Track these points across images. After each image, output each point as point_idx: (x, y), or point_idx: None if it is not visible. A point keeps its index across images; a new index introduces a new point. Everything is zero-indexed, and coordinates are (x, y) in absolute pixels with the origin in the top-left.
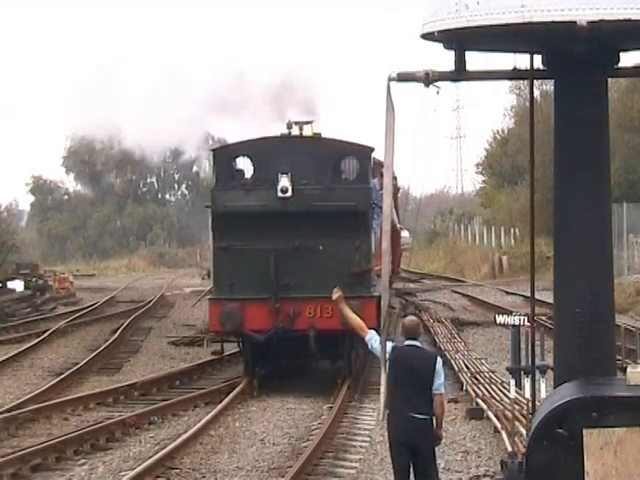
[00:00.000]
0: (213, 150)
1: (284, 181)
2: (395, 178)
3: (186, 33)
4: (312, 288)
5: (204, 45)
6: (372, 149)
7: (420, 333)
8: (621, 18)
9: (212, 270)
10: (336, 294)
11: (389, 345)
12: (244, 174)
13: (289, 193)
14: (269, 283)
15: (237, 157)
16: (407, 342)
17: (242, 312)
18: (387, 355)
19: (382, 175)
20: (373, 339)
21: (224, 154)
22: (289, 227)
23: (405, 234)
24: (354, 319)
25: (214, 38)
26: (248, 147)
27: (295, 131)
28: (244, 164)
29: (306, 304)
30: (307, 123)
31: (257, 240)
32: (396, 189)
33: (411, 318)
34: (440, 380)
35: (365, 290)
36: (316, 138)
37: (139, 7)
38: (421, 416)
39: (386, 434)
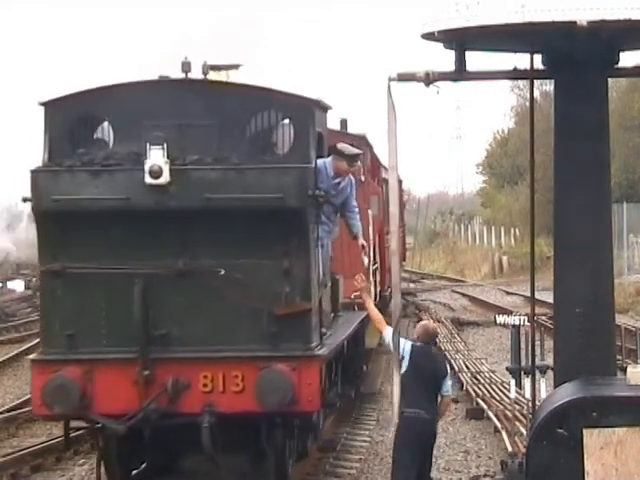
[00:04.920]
0: (44, 104)
1: (156, 157)
2: (400, 181)
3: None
4: (208, 341)
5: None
6: (321, 105)
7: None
8: (621, 18)
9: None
10: (362, 282)
11: (408, 343)
12: (104, 145)
13: (165, 177)
14: (133, 332)
15: (84, 116)
16: (420, 344)
17: (86, 383)
18: (407, 353)
19: (339, 154)
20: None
21: (61, 111)
22: (167, 237)
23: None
24: (374, 312)
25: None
26: (100, 99)
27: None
28: (102, 130)
29: (199, 369)
30: (229, 68)
31: (112, 259)
32: (401, 193)
33: (433, 324)
34: (450, 382)
35: (301, 346)
36: (221, 83)
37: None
38: (432, 416)
39: (386, 434)
